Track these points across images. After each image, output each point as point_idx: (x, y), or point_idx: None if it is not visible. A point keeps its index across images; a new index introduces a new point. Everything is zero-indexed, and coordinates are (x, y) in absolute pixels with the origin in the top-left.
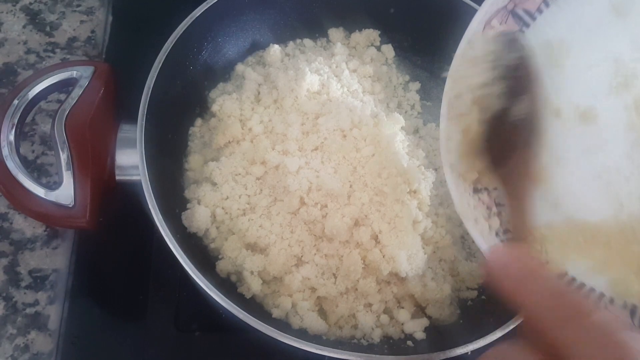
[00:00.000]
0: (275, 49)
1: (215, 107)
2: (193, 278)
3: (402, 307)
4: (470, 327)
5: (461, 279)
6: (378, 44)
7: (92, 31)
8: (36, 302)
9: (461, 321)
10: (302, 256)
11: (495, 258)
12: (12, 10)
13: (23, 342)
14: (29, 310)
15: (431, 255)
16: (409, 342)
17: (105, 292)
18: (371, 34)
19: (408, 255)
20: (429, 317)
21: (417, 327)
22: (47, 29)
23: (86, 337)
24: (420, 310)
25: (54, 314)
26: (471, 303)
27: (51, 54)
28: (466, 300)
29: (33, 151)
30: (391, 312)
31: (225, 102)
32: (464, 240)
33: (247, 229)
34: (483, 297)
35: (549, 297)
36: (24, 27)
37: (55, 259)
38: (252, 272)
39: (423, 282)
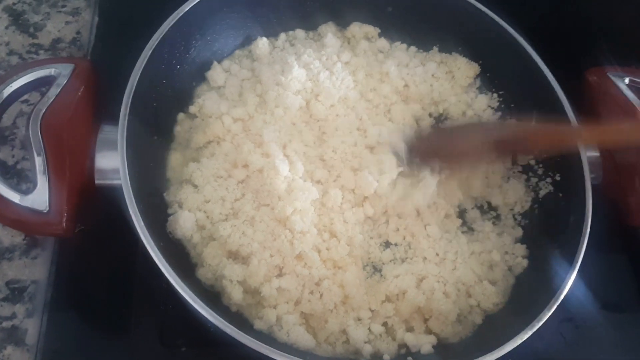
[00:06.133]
0: (263, 42)
1: (193, 109)
2: (175, 287)
3: (406, 322)
4: (478, 344)
5: (476, 299)
6: (374, 40)
7: (78, 32)
8: (13, 315)
9: (469, 338)
10: (282, 267)
11: None
12: None
13: None
14: (5, 324)
15: (450, 273)
16: (409, 359)
17: (87, 305)
18: (370, 31)
19: None
20: (433, 334)
21: (420, 342)
22: (31, 29)
23: (66, 353)
24: (424, 325)
25: (32, 327)
26: (481, 323)
27: (34, 56)
28: (476, 320)
29: (13, 156)
30: (393, 328)
31: (205, 102)
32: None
33: (228, 236)
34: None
35: None
36: (6, 27)
37: (34, 270)
38: (231, 281)
39: (428, 295)
